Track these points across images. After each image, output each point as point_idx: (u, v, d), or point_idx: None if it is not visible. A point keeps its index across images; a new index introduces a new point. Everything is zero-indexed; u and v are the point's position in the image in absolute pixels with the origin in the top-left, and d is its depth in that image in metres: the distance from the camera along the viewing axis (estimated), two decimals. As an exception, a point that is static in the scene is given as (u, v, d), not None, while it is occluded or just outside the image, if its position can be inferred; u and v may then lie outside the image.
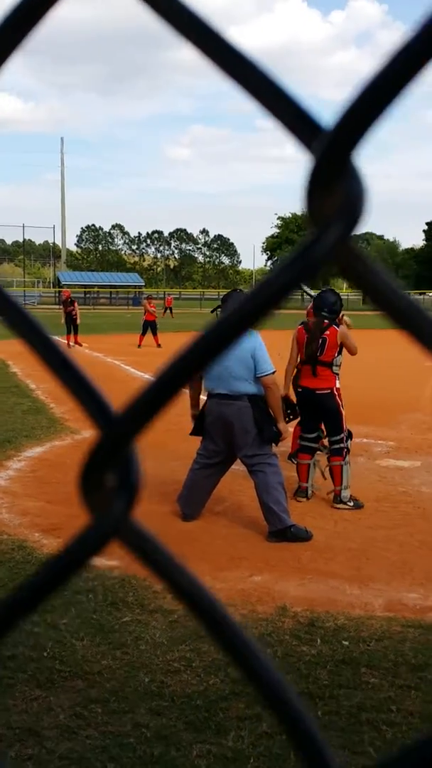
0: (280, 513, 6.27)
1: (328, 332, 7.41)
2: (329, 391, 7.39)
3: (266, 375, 6.36)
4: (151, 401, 0.40)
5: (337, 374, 7.49)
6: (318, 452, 7.65)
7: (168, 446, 8.99)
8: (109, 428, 0.41)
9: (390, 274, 0.36)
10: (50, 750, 3.44)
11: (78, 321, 26.33)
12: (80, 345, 25.43)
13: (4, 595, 0.46)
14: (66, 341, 25.28)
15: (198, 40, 0.38)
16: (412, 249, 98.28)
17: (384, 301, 0.35)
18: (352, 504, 7.22)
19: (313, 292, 9.73)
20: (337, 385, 7.45)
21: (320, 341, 7.39)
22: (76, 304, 27.04)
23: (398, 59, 0.33)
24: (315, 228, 0.35)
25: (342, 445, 7.34)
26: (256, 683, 0.41)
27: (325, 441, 7.62)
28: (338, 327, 7.46)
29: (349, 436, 7.55)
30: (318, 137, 0.35)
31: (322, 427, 7.63)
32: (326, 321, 7.42)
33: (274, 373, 6.39)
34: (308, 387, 7.46)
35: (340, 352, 7.44)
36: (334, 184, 0.34)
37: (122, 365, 19.73)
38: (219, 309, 6.83)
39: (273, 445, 6.57)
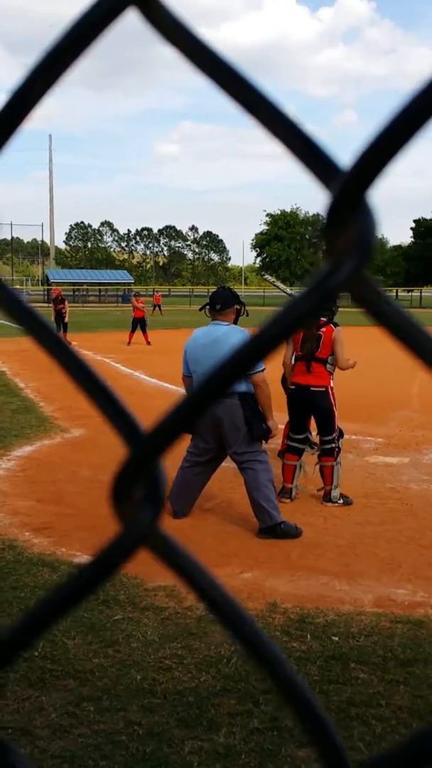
0: (270, 510, 6.31)
1: (324, 329, 7.43)
2: (324, 389, 7.39)
3: (256, 373, 6.37)
4: (178, 422, 0.43)
5: (331, 373, 7.50)
6: (305, 453, 7.68)
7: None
8: (139, 446, 0.44)
9: (400, 305, 0.39)
10: (43, 749, 3.46)
11: (67, 319, 26.24)
12: (69, 343, 25.31)
13: (33, 603, 0.49)
14: None
15: (222, 81, 0.40)
16: (400, 246, 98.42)
17: (396, 329, 0.38)
18: (341, 501, 7.26)
19: (289, 290, 9.77)
20: (331, 384, 7.47)
21: (316, 337, 7.42)
22: (66, 303, 26.92)
23: (412, 106, 0.36)
24: (331, 259, 0.37)
25: (333, 445, 7.35)
26: (282, 689, 0.44)
27: (317, 439, 7.65)
28: (335, 327, 7.48)
29: (341, 434, 7.56)
30: (335, 176, 0.37)
31: (311, 427, 7.65)
32: (322, 319, 7.43)
33: (263, 370, 6.41)
34: (302, 384, 7.45)
35: (332, 353, 7.46)
36: (350, 221, 0.37)
37: (112, 363, 19.72)
38: (207, 306, 6.84)
39: (263, 442, 6.60)
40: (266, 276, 10.39)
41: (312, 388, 7.40)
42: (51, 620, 0.48)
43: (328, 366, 7.45)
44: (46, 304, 68.16)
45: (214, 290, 7.15)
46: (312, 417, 7.61)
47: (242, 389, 6.41)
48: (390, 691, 3.97)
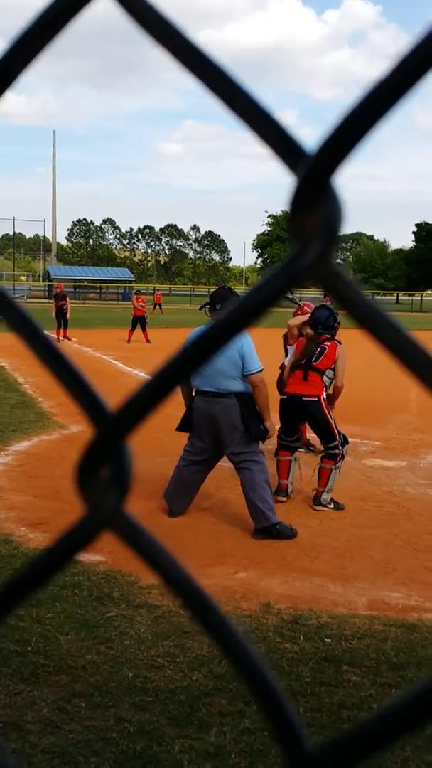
0: (265, 510, 6.31)
1: (328, 344, 7.47)
2: (317, 399, 7.36)
3: (254, 373, 6.39)
4: (145, 400, 0.42)
5: (326, 386, 7.48)
6: (299, 450, 7.67)
7: (155, 442, 9.01)
8: (104, 425, 0.44)
9: (365, 290, 0.38)
10: (33, 744, 3.46)
11: (68, 316, 26.10)
12: (69, 339, 25.15)
13: (6, 579, 0.48)
14: (56, 335, 25.02)
15: (187, 61, 0.40)
16: (401, 250, 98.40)
17: (360, 316, 0.38)
18: (332, 506, 7.23)
19: (290, 294, 9.79)
20: (324, 395, 7.43)
21: (319, 350, 7.43)
22: (67, 299, 26.74)
23: (377, 91, 0.35)
24: (297, 243, 0.37)
25: (337, 451, 7.33)
26: (242, 672, 0.43)
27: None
28: (339, 344, 7.52)
29: (345, 441, 7.52)
30: (301, 161, 0.37)
31: (305, 431, 7.64)
32: (324, 335, 7.46)
33: (262, 371, 6.42)
34: (295, 393, 7.43)
35: (332, 368, 7.47)
36: (315, 205, 0.36)
37: (111, 360, 19.73)
38: (207, 306, 6.85)
39: (260, 442, 6.61)
40: None
41: (304, 398, 7.39)
42: (14, 603, 0.48)
43: (324, 378, 7.46)
44: (47, 300, 68.26)
45: (214, 290, 7.15)
46: (304, 422, 7.60)
47: (240, 389, 6.42)
48: (382, 695, 3.97)
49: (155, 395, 0.42)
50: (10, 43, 0.42)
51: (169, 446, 8.87)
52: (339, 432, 7.45)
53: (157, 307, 47.81)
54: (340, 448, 7.35)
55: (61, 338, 25.12)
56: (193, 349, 0.40)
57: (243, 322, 0.39)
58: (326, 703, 3.88)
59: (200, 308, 7.08)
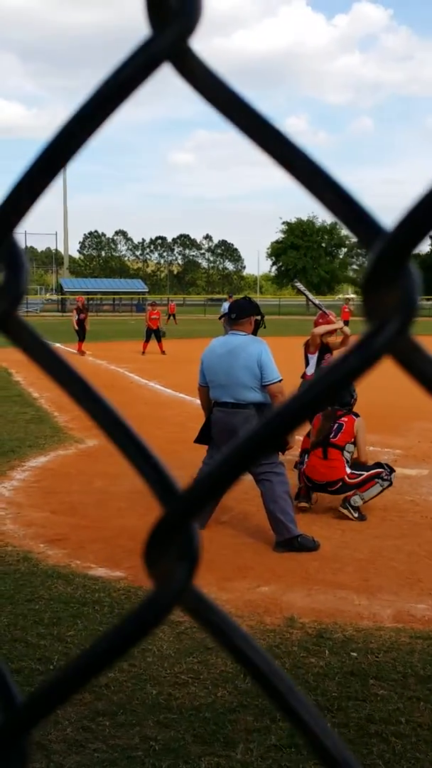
0: (287, 523, 6.25)
1: (345, 419, 7.36)
2: (340, 484, 7.21)
3: (273, 383, 6.36)
4: (215, 483, 0.42)
5: (347, 461, 7.34)
6: None
7: (172, 455, 8.98)
8: (174, 505, 0.44)
9: (343, 487, 0.37)
10: (58, 764, 3.42)
11: (88, 327, 26.29)
12: (83, 353, 25.18)
13: (64, 664, 0.47)
14: (78, 350, 25.17)
15: (259, 138, 0.40)
16: (418, 254, 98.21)
17: None
18: (356, 515, 7.14)
19: (316, 300, 9.75)
20: (348, 471, 7.26)
21: (336, 426, 7.32)
22: (87, 312, 26.98)
23: None
24: (373, 321, 0.37)
25: (384, 472, 7.26)
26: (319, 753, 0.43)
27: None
28: (357, 416, 7.44)
29: (391, 470, 7.37)
30: (377, 237, 0.37)
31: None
32: (340, 410, 7.40)
33: (281, 381, 6.39)
34: (318, 481, 7.29)
35: (352, 442, 7.38)
36: (393, 282, 0.36)
37: (126, 372, 19.75)
38: (224, 316, 6.84)
39: (279, 454, 6.55)
40: (296, 283, 10.31)
41: (329, 488, 7.28)
42: (79, 684, 0.46)
43: (345, 453, 7.34)
44: (60, 314, 68.52)
45: (233, 300, 7.10)
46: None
47: (259, 399, 6.38)
48: (410, 708, 3.90)
49: (225, 478, 0.42)
50: (69, 118, 0.42)
51: (187, 459, 8.82)
52: (380, 464, 7.40)
53: (171, 317, 47.92)
54: (387, 473, 7.25)
55: (76, 351, 25.18)
56: (262, 433, 0.40)
57: (321, 399, 0.39)
58: (354, 717, 3.82)
59: (220, 317, 7.10)
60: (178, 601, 0.44)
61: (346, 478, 7.20)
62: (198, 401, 7.19)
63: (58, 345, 29.17)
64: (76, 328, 26.08)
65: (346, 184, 0.38)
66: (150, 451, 0.45)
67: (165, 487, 0.44)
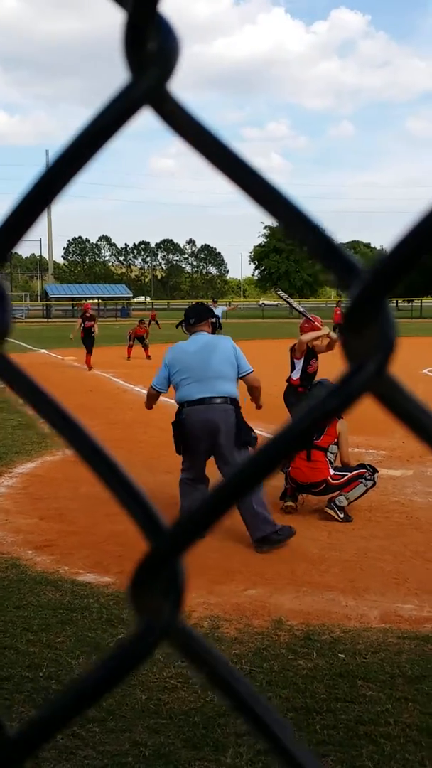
0: (267, 515, 6.31)
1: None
2: (324, 485, 7.29)
3: (250, 373, 6.64)
4: (200, 519, 0.43)
5: (331, 462, 7.44)
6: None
7: (160, 459, 9.00)
8: (160, 541, 0.44)
9: (425, 404, 0.39)
10: (48, 771, 3.41)
11: (96, 333, 23.13)
12: (90, 367, 22.13)
13: (49, 700, 0.48)
14: (86, 363, 22.34)
15: (238, 180, 0.41)
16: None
17: (422, 427, 0.39)
18: (342, 515, 7.16)
19: (300, 306, 9.80)
20: (332, 472, 7.34)
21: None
22: (96, 320, 23.86)
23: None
24: (351, 361, 0.38)
25: (367, 472, 7.31)
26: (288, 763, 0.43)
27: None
28: (340, 418, 7.44)
29: (374, 470, 7.44)
30: (356, 280, 0.38)
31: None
32: None
33: (253, 371, 6.70)
34: (302, 482, 7.37)
35: (335, 443, 7.47)
36: (371, 323, 0.37)
37: (112, 378, 19.72)
38: (183, 323, 6.96)
39: (249, 449, 6.57)
40: (279, 291, 10.37)
41: (314, 490, 7.36)
42: (67, 719, 0.47)
43: (329, 454, 7.43)
44: (45, 320, 68.32)
45: (189, 306, 7.32)
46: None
47: (234, 393, 6.55)
48: (398, 709, 3.92)
49: (211, 514, 0.42)
50: (52, 161, 0.43)
51: (174, 463, 8.83)
52: (363, 465, 7.47)
53: (154, 322, 47.83)
54: (370, 474, 7.31)
55: (85, 366, 22.37)
56: (252, 468, 0.41)
57: (301, 439, 0.40)
58: (342, 719, 3.84)
59: (177, 326, 7.19)
60: (164, 637, 0.44)
61: (330, 479, 7.25)
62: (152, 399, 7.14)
63: (43, 351, 29.09)
64: (82, 336, 23.03)
65: (322, 225, 0.39)
66: (137, 487, 0.46)
67: (151, 523, 0.45)
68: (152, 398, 6.93)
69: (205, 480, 6.67)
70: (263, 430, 11.36)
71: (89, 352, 22.38)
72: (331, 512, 7.14)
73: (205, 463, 6.64)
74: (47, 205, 0.43)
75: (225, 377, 6.47)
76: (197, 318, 6.81)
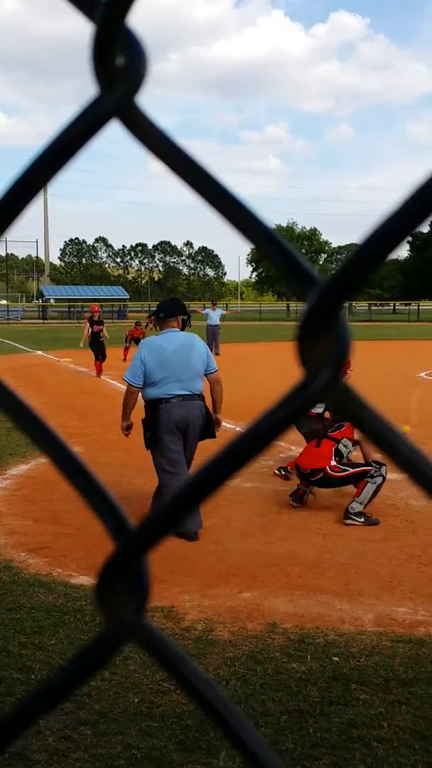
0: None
1: (346, 423, 7.66)
2: (322, 473, 7.38)
3: (216, 371, 7.00)
4: (165, 519, 0.43)
5: (343, 454, 7.61)
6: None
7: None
8: (125, 541, 0.45)
9: (378, 410, 0.40)
10: (40, 774, 3.40)
11: (106, 337, 21.77)
12: (100, 374, 20.77)
13: (9, 706, 0.48)
14: (96, 371, 20.96)
15: (201, 190, 0.41)
16: (396, 260, 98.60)
17: (375, 433, 0.39)
18: (362, 520, 7.12)
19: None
20: (333, 463, 7.42)
21: (336, 425, 7.73)
22: (104, 324, 22.36)
23: (384, 228, 0.36)
24: (307, 368, 0.39)
25: (372, 469, 7.35)
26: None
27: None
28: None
29: (380, 464, 7.46)
30: (312, 288, 0.39)
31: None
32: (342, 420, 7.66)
33: (218, 370, 7.03)
34: (303, 468, 7.48)
35: (350, 440, 7.64)
36: (325, 331, 0.38)
37: (108, 380, 19.68)
38: (154, 315, 7.20)
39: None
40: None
41: (312, 478, 7.46)
42: (29, 721, 0.47)
43: (341, 446, 7.57)
44: (41, 321, 68.27)
45: (162, 301, 7.51)
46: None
47: (201, 389, 6.85)
48: (392, 712, 3.92)
49: (175, 514, 0.43)
50: (21, 171, 0.43)
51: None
52: (369, 463, 7.53)
53: (151, 325, 47.82)
54: (377, 469, 7.35)
55: (95, 373, 21.01)
56: (210, 472, 0.41)
57: (258, 446, 0.40)
58: (336, 722, 3.83)
59: (149, 317, 7.51)
60: (128, 637, 0.45)
61: (328, 469, 7.35)
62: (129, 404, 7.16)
63: (39, 352, 29.06)
64: (90, 341, 21.66)
65: (280, 237, 0.40)
66: (102, 487, 0.46)
67: (116, 523, 0.45)
68: (134, 395, 6.98)
69: (184, 466, 6.75)
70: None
71: (98, 358, 21.04)
72: (350, 522, 7.11)
73: (182, 458, 6.78)
74: (19, 213, 0.44)
75: (198, 376, 6.79)
76: (167, 313, 7.01)
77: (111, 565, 0.45)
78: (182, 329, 7.11)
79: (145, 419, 6.77)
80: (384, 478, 7.31)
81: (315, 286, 0.38)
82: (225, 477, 0.41)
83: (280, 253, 0.39)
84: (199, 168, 0.40)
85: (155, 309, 7.20)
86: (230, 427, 12.06)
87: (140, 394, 6.83)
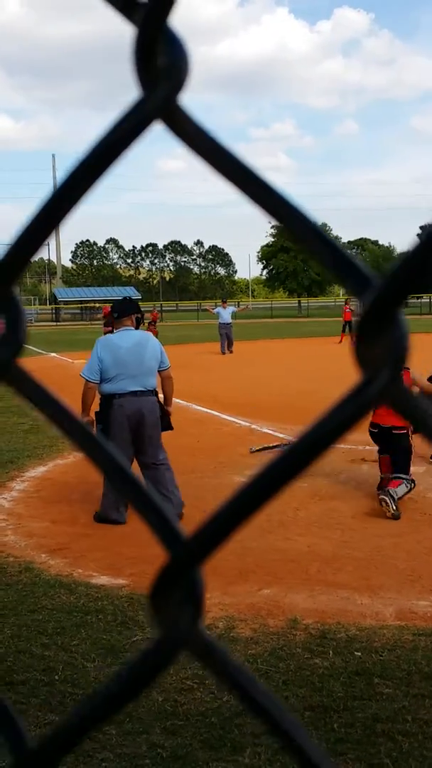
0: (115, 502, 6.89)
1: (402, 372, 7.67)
2: (405, 431, 7.56)
3: (169, 368, 7.40)
4: (219, 529, 0.43)
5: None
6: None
7: (171, 460, 8.99)
8: (179, 552, 0.45)
9: (406, 436, 0.38)
10: (66, 774, 3.42)
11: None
12: None
13: (75, 706, 0.48)
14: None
15: (249, 191, 0.41)
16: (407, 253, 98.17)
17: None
18: (396, 507, 7.17)
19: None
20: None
21: None
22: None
23: None
24: (364, 370, 0.38)
25: (405, 478, 7.43)
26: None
27: None
28: (408, 369, 7.71)
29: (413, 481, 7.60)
30: (368, 290, 0.38)
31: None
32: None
33: (170, 366, 7.43)
34: (385, 425, 7.57)
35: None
36: (383, 332, 0.38)
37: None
38: (108, 317, 7.51)
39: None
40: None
41: (394, 431, 7.56)
42: (86, 731, 0.48)
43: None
44: (54, 323, 68.43)
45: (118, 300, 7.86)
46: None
47: (155, 385, 7.18)
48: (416, 706, 3.92)
49: (229, 524, 0.43)
50: (67, 174, 0.43)
51: (186, 464, 8.84)
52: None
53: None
54: (409, 483, 7.48)
55: None
56: (267, 477, 0.41)
57: (316, 450, 0.40)
58: (360, 717, 3.83)
59: (104, 318, 7.72)
60: (182, 646, 0.45)
61: (409, 430, 7.60)
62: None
63: (53, 354, 29.12)
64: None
65: (337, 242, 0.40)
66: (154, 498, 0.46)
67: (169, 533, 0.45)
68: (93, 391, 7.21)
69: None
70: (275, 430, 11.37)
71: None
72: (386, 498, 7.22)
73: (131, 452, 6.98)
74: (62, 219, 0.44)
75: (152, 372, 7.15)
76: (121, 313, 7.37)
77: (164, 574, 0.45)
78: (137, 327, 7.44)
79: (98, 412, 7.13)
80: (414, 485, 7.52)
81: (371, 286, 0.38)
82: (283, 482, 0.41)
83: (331, 252, 0.39)
84: (245, 168, 0.40)
85: (111, 309, 7.63)
86: (245, 424, 12.08)
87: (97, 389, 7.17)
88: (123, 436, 6.96)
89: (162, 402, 7.35)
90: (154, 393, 7.20)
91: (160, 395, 7.40)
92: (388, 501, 7.15)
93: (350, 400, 0.39)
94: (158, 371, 7.27)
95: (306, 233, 0.40)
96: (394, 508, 7.15)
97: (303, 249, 0.40)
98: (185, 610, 0.45)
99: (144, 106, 0.40)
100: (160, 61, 0.39)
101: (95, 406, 7.17)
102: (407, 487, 7.40)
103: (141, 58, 0.39)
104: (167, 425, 7.31)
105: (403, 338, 0.38)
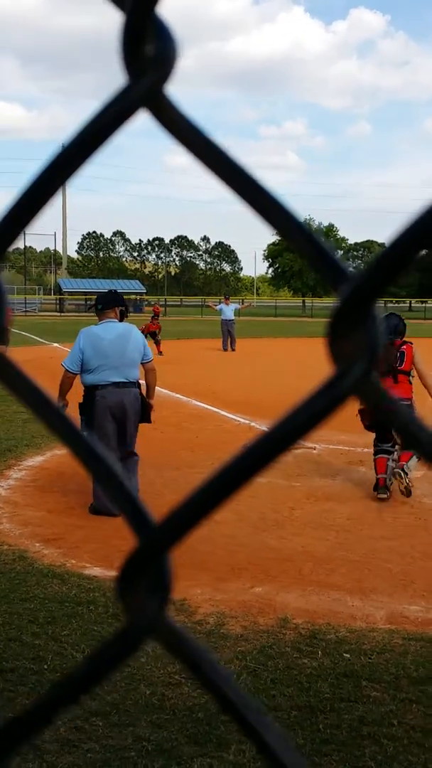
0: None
1: (404, 347, 7.92)
2: (410, 401, 7.64)
3: (151, 360, 7.52)
4: (188, 514, 0.43)
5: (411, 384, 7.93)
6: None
7: (172, 454, 9.00)
8: (148, 537, 0.44)
9: (408, 406, 0.38)
10: (51, 764, 3.42)
11: (159, 344, 21.80)
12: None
13: (41, 694, 0.48)
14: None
15: (232, 183, 0.41)
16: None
17: (405, 429, 0.39)
18: (408, 480, 7.46)
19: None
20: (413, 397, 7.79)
21: (398, 354, 7.87)
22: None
23: (422, 219, 0.36)
24: (339, 363, 0.38)
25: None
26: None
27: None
28: (411, 344, 7.98)
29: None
30: (345, 283, 0.38)
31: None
32: (398, 340, 7.92)
33: (153, 359, 7.55)
34: None
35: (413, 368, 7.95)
36: (358, 326, 0.38)
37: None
38: (94, 308, 7.61)
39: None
40: None
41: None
42: (48, 717, 0.47)
43: (411, 379, 7.89)
44: (58, 313, 68.43)
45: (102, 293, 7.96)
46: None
47: (138, 377, 7.28)
48: (403, 710, 3.92)
49: (198, 510, 0.42)
50: (47, 162, 0.43)
51: (184, 459, 8.85)
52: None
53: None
54: None
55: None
56: (235, 468, 0.41)
57: (285, 443, 0.40)
58: (346, 719, 3.83)
59: (87, 309, 7.74)
60: (149, 634, 0.45)
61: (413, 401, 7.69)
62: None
63: (55, 345, 29.09)
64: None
65: (313, 231, 0.39)
66: (125, 483, 0.46)
67: (139, 518, 0.45)
68: (70, 380, 7.29)
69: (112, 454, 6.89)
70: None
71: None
72: (401, 473, 7.45)
73: (114, 442, 7.06)
74: (46, 202, 0.43)
75: (135, 364, 7.25)
76: (104, 305, 7.44)
77: (133, 561, 0.45)
78: (120, 320, 7.48)
79: (82, 403, 7.22)
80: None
81: (347, 280, 0.38)
82: (251, 473, 0.40)
83: (311, 246, 0.39)
84: (228, 159, 0.40)
85: (95, 302, 7.67)
86: (245, 422, 12.08)
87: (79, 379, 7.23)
88: (106, 427, 7.02)
89: (144, 394, 7.44)
90: (137, 385, 7.29)
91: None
92: (402, 475, 7.44)
93: (322, 394, 0.38)
94: (141, 363, 7.37)
95: (289, 227, 0.40)
96: (408, 482, 7.46)
97: (284, 239, 0.40)
98: (153, 597, 0.44)
99: (129, 94, 0.40)
100: (148, 50, 0.39)
101: (79, 398, 7.27)
102: (417, 458, 7.48)
103: (128, 46, 0.39)
104: (147, 418, 7.38)
105: (378, 334, 0.38)
